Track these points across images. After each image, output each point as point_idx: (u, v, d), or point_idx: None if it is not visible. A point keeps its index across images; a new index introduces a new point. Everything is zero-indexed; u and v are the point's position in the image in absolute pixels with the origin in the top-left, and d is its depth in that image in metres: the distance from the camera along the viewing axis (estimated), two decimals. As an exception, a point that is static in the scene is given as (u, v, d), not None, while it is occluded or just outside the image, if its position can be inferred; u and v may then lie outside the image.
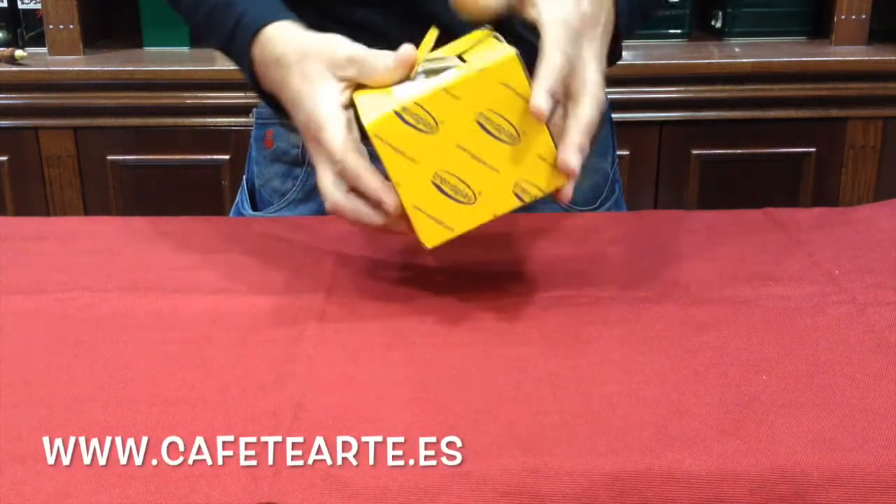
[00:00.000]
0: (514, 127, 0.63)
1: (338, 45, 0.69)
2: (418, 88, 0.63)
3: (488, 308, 0.68)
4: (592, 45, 0.67)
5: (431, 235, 0.65)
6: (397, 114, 0.62)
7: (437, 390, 0.58)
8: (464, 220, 0.65)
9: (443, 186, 0.64)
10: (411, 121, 0.62)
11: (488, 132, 0.63)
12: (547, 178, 0.65)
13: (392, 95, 0.64)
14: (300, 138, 0.93)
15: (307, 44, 0.70)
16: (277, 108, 0.76)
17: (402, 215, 0.65)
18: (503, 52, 0.62)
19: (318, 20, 0.74)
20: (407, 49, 0.65)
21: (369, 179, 0.65)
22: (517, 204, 0.65)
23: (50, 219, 0.96)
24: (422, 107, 0.62)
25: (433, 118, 0.62)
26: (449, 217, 0.65)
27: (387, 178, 0.64)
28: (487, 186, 0.64)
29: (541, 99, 0.61)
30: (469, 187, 0.64)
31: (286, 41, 0.72)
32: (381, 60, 0.66)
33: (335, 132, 0.66)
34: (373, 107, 0.64)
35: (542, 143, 0.64)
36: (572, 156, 0.63)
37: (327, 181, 0.67)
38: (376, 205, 0.65)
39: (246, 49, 0.75)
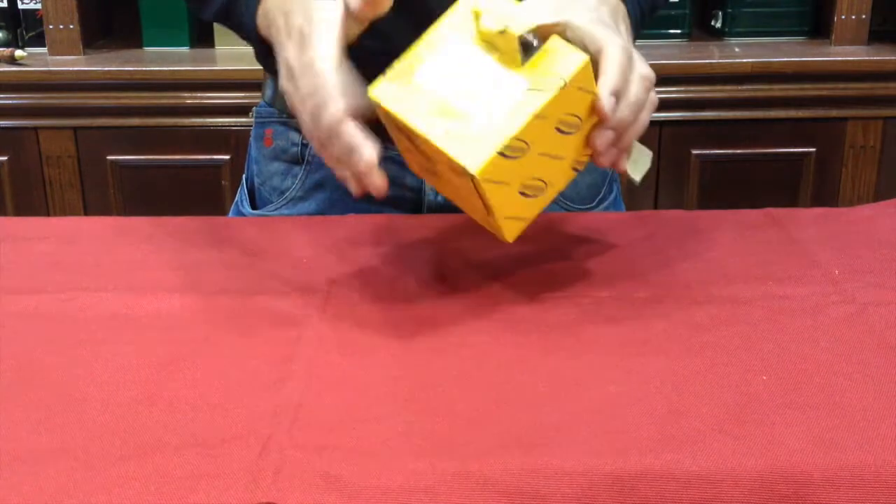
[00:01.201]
0: (579, 118, 0.64)
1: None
2: (498, 113, 0.61)
3: (488, 308, 0.68)
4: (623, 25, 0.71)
5: (513, 232, 0.68)
6: (501, 153, 0.61)
7: (437, 390, 0.58)
8: (537, 207, 0.68)
9: (527, 192, 0.65)
10: (510, 153, 0.61)
11: (563, 132, 0.64)
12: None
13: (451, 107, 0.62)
14: (300, 136, 0.93)
15: None
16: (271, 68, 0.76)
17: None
18: (577, 59, 0.62)
19: None
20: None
21: (350, 132, 0.64)
22: (574, 176, 0.68)
23: (50, 219, 0.96)
24: (519, 138, 0.61)
25: (525, 143, 0.62)
26: (527, 211, 0.67)
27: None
28: (556, 174, 0.66)
29: (607, 100, 0.64)
30: (544, 181, 0.66)
31: None
32: None
33: (332, 82, 0.65)
34: (457, 140, 0.61)
35: (593, 121, 0.66)
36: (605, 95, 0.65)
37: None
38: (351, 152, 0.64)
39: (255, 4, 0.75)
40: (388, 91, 0.64)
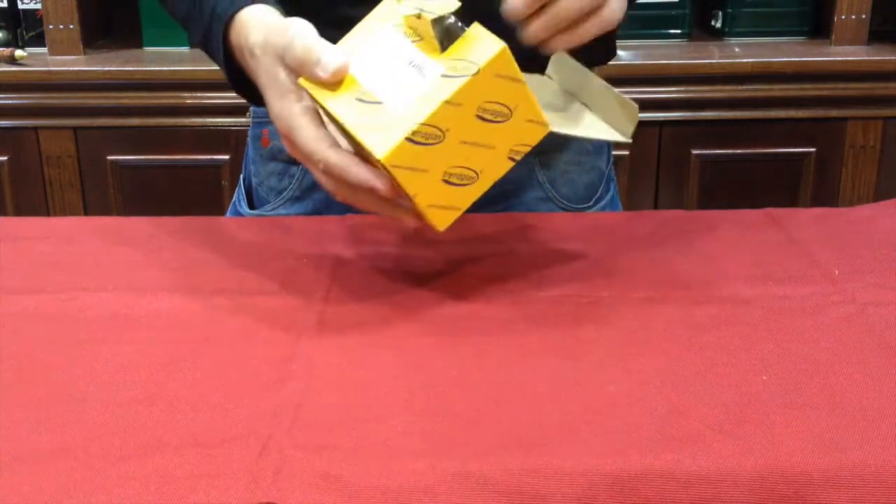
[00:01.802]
0: (507, 107, 0.64)
1: (289, 43, 0.66)
2: (411, 100, 0.62)
3: (488, 308, 0.68)
4: None
5: (443, 221, 0.67)
6: (409, 139, 0.61)
7: (437, 390, 0.58)
8: (469, 197, 0.66)
9: (451, 179, 0.64)
10: (421, 140, 0.61)
11: (487, 120, 0.63)
12: (533, 134, 0.66)
13: (379, 109, 0.63)
14: None
15: (266, 33, 0.69)
16: (252, 99, 0.75)
17: (398, 194, 0.65)
18: (494, 46, 0.62)
19: (310, 20, 0.74)
20: (341, 64, 0.64)
21: (356, 171, 0.64)
22: (511, 165, 0.67)
23: (50, 219, 0.96)
24: (429, 124, 0.61)
25: (440, 129, 0.62)
26: (457, 200, 0.66)
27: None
28: (487, 163, 0.65)
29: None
30: (472, 170, 0.65)
31: (253, 28, 0.71)
32: (319, 70, 0.64)
33: (307, 132, 0.66)
34: (370, 128, 0.62)
35: (528, 108, 0.64)
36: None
37: (322, 178, 0.67)
38: (370, 191, 0.65)
39: (221, 39, 0.74)
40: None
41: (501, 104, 0.63)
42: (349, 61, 0.64)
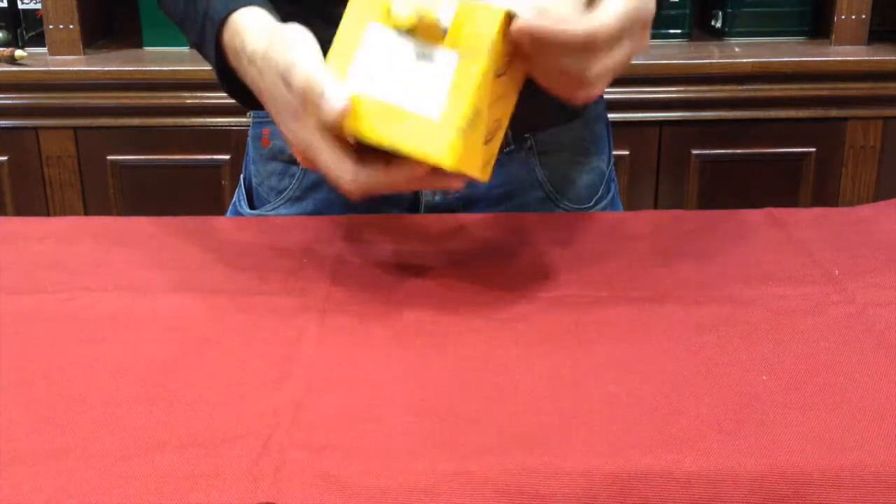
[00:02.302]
0: (509, 56, 0.64)
1: (291, 66, 0.64)
2: (441, 96, 0.61)
3: (488, 308, 0.68)
4: None
5: (486, 173, 0.67)
6: (460, 135, 0.61)
7: (437, 390, 0.58)
8: (499, 141, 0.68)
9: (489, 138, 0.66)
10: (468, 127, 0.62)
11: (501, 75, 0.64)
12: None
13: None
14: None
15: (267, 46, 0.68)
16: (246, 102, 0.75)
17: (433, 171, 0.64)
18: (495, 13, 0.61)
19: (306, 17, 0.74)
20: (344, 106, 0.61)
21: (390, 181, 0.63)
22: (518, 90, 0.68)
23: (50, 219, 0.96)
24: (470, 113, 0.62)
25: (477, 110, 0.62)
26: (494, 149, 0.68)
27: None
28: (507, 107, 0.68)
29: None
30: (499, 120, 0.67)
31: (250, 34, 0.70)
32: (323, 107, 0.62)
33: (328, 155, 0.64)
34: (415, 138, 0.61)
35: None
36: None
37: (336, 166, 0.65)
38: (409, 182, 0.64)
39: (214, 41, 0.74)
40: None
41: (507, 56, 0.64)
42: (353, 88, 0.63)
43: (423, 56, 0.63)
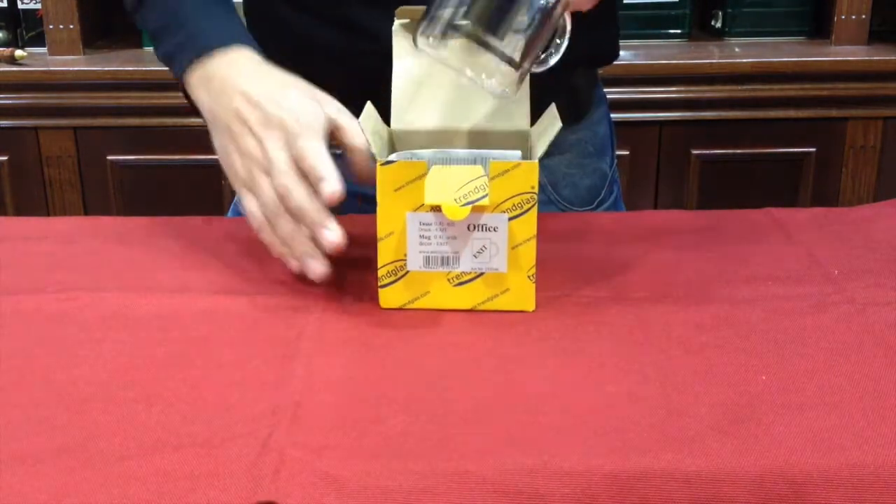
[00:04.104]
0: None
1: (298, 136, 0.68)
2: None
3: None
4: None
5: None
6: None
7: (437, 390, 0.58)
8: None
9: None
10: None
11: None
12: None
13: None
14: None
15: (268, 105, 0.70)
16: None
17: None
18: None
19: (312, 22, 0.74)
20: (335, 192, 0.66)
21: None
22: None
23: (50, 219, 0.96)
24: None
25: None
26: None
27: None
28: None
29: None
30: None
31: (249, 75, 0.72)
32: (323, 190, 0.66)
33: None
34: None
35: None
36: None
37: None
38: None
39: (188, 64, 0.75)
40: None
41: None
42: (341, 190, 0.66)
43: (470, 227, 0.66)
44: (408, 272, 0.67)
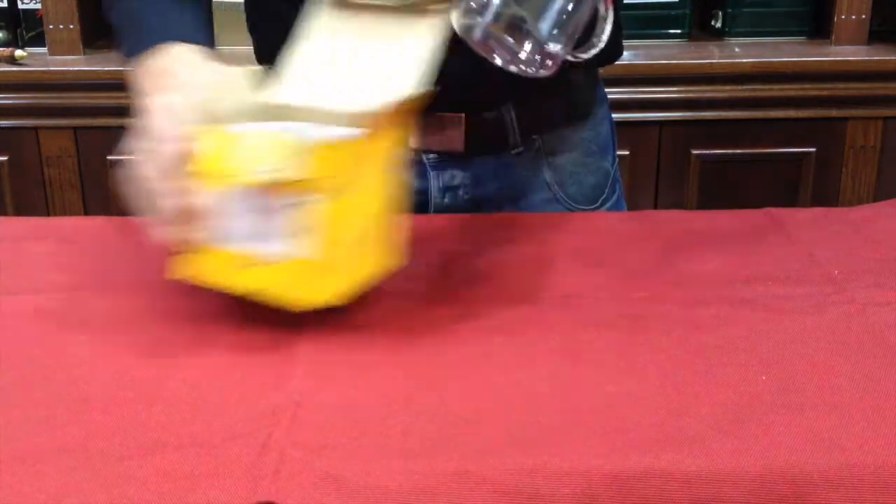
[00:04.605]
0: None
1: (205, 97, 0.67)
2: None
3: (488, 308, 0.68)
4: None
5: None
6: None
7: (437, 390, 0.58)
8: None
9: None
10: None
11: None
12: None
13: None
14: None
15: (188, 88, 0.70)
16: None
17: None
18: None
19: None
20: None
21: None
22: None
23: (50, 219, 0.96)
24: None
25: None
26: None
27: None
28: None
29: None
30: None
31: (184, 65, 0.73)
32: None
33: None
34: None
35: None
36: None
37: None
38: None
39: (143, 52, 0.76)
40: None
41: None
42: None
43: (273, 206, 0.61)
44: (207, 245, 0.63)
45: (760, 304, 0.68)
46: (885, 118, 1.77)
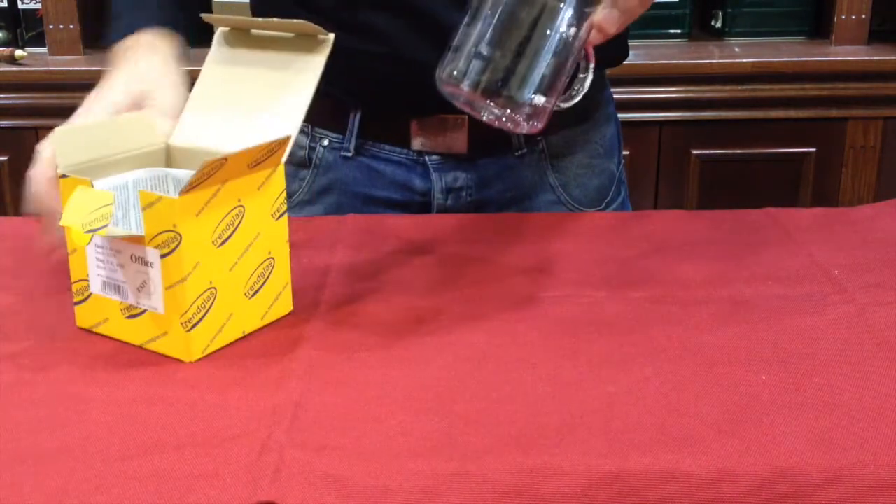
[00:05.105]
0: None
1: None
2: None
3: (488, 308, 0.68)
4: None
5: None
6: None
7: (437, 390, 0.58)
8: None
9: None
10: None
11: None
12: None
13: None
14: (307, 140, 0.94)
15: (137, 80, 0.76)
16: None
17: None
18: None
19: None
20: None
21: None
22: None
23: (50, 219, 0.96)
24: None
25: None
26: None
27: None
28: None
29: None
30: None
31: (146, 56, 0.80)
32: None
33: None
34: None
35: None
36: None
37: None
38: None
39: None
40: None
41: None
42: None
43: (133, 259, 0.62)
44: (91, 294, 0.65)
45: (760, 304, 0.68)
46: (885, 118, 1.77)
